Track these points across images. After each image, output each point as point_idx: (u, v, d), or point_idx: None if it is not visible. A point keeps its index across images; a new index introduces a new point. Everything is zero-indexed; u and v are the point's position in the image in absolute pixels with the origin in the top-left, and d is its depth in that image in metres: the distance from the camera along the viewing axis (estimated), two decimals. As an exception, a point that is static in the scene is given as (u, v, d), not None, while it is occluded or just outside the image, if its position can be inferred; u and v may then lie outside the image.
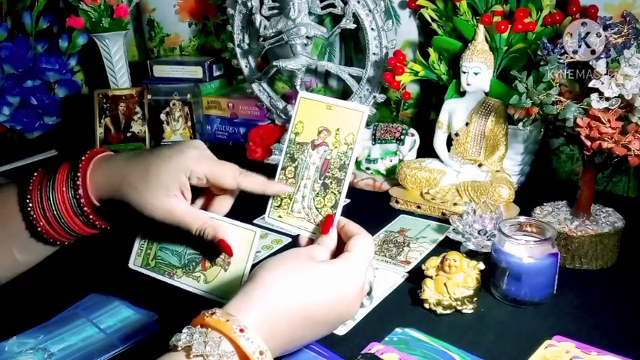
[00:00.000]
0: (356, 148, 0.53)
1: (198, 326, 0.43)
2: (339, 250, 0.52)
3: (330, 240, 0.53)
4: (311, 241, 0.54)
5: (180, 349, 0.42)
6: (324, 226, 0.53)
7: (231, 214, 0.71)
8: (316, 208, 0.54)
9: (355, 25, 0.99)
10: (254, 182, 0.55)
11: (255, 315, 0.44)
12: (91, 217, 0.56)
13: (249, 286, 0.46)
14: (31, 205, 0.55)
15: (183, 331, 0.43)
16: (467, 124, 0.85)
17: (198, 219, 0.54)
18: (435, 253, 0.71)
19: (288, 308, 0.46)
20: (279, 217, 0.56)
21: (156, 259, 0.58)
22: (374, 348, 0.53)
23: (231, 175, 0.54)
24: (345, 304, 0.49)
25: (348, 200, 0.90)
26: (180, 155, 0.54)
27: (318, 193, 0.54)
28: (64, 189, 0.55)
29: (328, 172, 0.54)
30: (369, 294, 0.52)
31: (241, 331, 0.42)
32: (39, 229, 0.55)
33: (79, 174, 0.55)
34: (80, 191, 0.54)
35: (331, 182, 0.54)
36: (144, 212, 0.53)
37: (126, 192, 0.53)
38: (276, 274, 0.47)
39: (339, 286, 0.48)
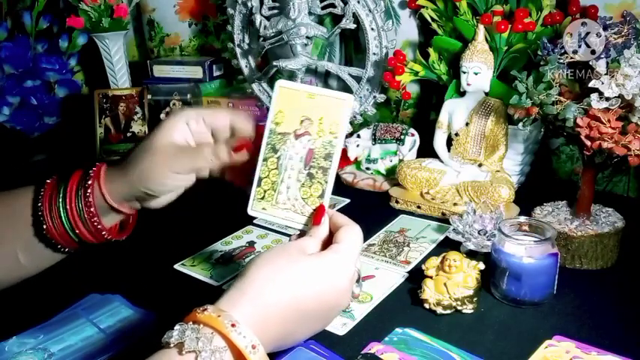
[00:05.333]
0: (341, 137, 0.52)
1: (190, 323, 0.43)
2: (327, 241, 0.52)
3: (322, 231, 0.53)
4: (303, 233, 0.54)
5: (172, 345, 0.42)
6: (315, 217, 0.52)
7: (221, 208, 0.71)
8: (303, 198, 0.53)
9: (355, 25, 0.99)
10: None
11: (246, 310, 0.44)
12: (99, 225, 0.58)
13: (241, 282, 0.46)
14: (42, 209, 0.57)
15: (175, 328, 0.43)
16: (467, 124, 0.85)
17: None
18: (435, 253, 0.71)
19: (279, 302, 0.46)
20: (263, 209, 0.54)
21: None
22: (374, 348, 0.53)
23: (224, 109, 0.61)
24: (336, 295, 0.49)
25: (348, 200, 0.91)
26: (171, 115, 0.58)
27: (303, 184, 0.53)
28: (74, 197, 0.57)
29: (313, 161, 0.53)
30: (357, 281, 0.52)
31: (233, 326, 0.42)
32: (45, 232, 0.57)
33: (89, 182, 0.57)
34: (90, 199, 0.56)
35: (317, 172, 0.53)
36: (163, 180, 0.56)
37: (140, 168, 0.56)
38: (267, 269, 0.47)
39: (330, 277, 0.48)
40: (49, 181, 0.58)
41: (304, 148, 0.53)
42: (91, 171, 0.58)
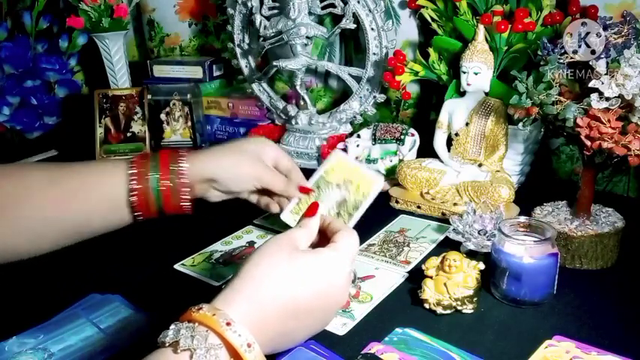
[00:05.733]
0: (368, 200, 0.71)
1: (186, 322, 0.43)
2: (320, 244, 0.53)
3: (313, 223, 0.54)
4: None
5: (167, 345, 0.42)
6: (308, 210, 0.55)
7: (221, 209, 0.72)
8: None
9: (355, 25, 0.99)
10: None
11: (242, 308, 0.44)
12: (184, 198, 0.65)
13: (236, 281, 0.47)
14: (133, 176, 0.63)
15: (171, 327, 0.43)
16: (467, 124, 0.85)
17: (280, 182, 0.71)
18: (435, 253, 0.71)
19: (275, 300, 0.46)
20: (294, 220, 0.70)
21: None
22: (374, 348, 0.53)
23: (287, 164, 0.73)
24: (333, 293, 0.49)
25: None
26: (261, 140, 0.75)
27: (330, 215, 0.70)
28: (168, 167, 0.64)
29: (343, 207, 0.72)
30: (353, 281, 0.55)
31: (228, 324, 0.42)
32: (132, 198, 0.62)
33: (184, 158, 0.65)
34: (184, 171, 0.65)
35: (344, 214, 0.71)
36: (241, 182, 0.69)
37: (226, 169, 0.68)
38: (262, 267, 0.47)
39: (326, 274, 0.49)
40: (137, 157, 0.65)
41: (341, 196, 0.72)
42: (182, 155, 0.66)
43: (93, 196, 0.62)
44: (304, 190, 0.72)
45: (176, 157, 0.66)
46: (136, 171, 0.63)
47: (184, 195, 0.65)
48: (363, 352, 0.53)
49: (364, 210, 0.71)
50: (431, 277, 0.60)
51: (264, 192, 0.73)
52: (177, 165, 0.65)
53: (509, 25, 0.85)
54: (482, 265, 0.60)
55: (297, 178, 0.72)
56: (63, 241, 0.63)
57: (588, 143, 0.62)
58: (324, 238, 0.54)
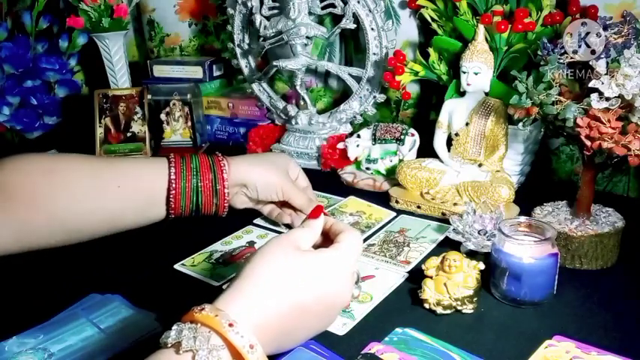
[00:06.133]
0: (376, 228, 0.80)
1: (188, 322, 0.43)
2: (324, 245, 0.53)
3: (316, 225, 0.54)
4: None
5: (170, 345, 0.42)
6: (312, 212, 0.55)
7: (229, 215, 0.72)
8: None
9: (355, 25, 0.99)
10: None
11: (244, 309, 0.44)
12: (225, 198, 0.72)
13: (238, 282, 0.46)
14: (174, 175, 0.68)
15: (173, 328, 0.43)
16: (467, 124, 0.85)
17: (302, 196, 0.76)
18: (435, 253, 0.71)
19: (277, 300, 0.46)
20: None
21: None
22: (374, 348, 0.53)
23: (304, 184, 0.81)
24: (335, 293, 0.49)
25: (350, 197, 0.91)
26: (288, 157, 0.83)
27: None
28: (208, 170, 0.70)
29: (355, 226, 0.78)
30: (356, 283, 0.55)
31: (230, 325, 0.42)
32: (170, 196, 0.68)
33: (224, 162, 0.72)
34: (224, 174, 0.71)
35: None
36: (269, 189, 0.74)
37: (258, 176, 0.73)
38: (264, 267, 0.47)
39: (329, 274, 0.49)
40: (175, 156, 0.70)
41: (354, 219, 0.82)
42: (221, 158, 0.73)
43: (131, 190, 0.65)
44: (319, 212, 0.63)
45: (215, 159, 0.71)
46: (176, 170, 0.68)
47: (224, 196, 0.71)
48: (363, 352, 0.53)
49: (371, 232, 0.78)
50: (431, 277, 0.60)
51: (279, 204, 0.79)
52: (218, 167, 0.70)
53: (509, 25, 0.85)
54: (482, 265, 0.60)
55: (312, 197, 0.78)
56: (97, 232, 0.66)
57: (588, 143, 0.62)
58: (327, 240, 0.54)
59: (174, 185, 0.68)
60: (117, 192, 0.65)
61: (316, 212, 0.55)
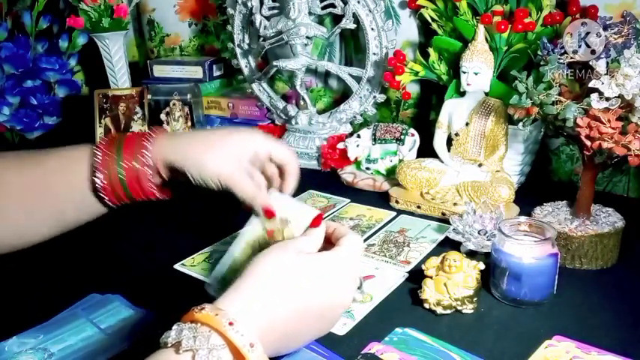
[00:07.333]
0: (376, 228, 0.78)
1: (188, 322, 0.43)
2: (326, 249, 0.53)
3: (318, 233, 0.54)
4: None
5: (170, 345, 0.42)
6: (314, 222, 0.54)
7: (221, 209, 0.71)
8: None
9: (355, 25, 0.99)
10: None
11: (245, 308, 0.44)
12: (151, 183, 0.60)
13: (240, 282, 0.46)
14: (97, 165, 0.58)
15: (173, 328, 0.43)
16: (467, 124, 0.85)
17: (251, 189, 0.60)
18: (435, 253, 0.71)
19: (279, 301, 0.46)
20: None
21: None
22: (374, 348, 0.53)
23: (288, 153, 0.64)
24: (337, 293, 0.49)
25: (348, 200, 0.91)
26: (250, 132, 0.64)
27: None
28: (132, 153, 0.59)
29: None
30: (359, 287, 0.55)
31: (230, 324, 0.42)
32: (99, 187, 0.58)
33: (149, 143, 0.60)
34: (148, 159, 0.59)
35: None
36: (203, 175, 0.59)
37: (190, 156, 0.59)
38: (266, 268, 0.47)
39: (331, 276, 0.49)
40: (102, 141, 0.61)
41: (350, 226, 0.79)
42: (149, 136, 0.61)
43: (59, 186, 0.59)
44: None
45: (141, 140, 0.60)
46: (100, 156, 0.59)
47: (149, 179, 0.59)
48: (363, 352, 0.53)
49: (375, 230, 0.77)
50: (431, 277, 0.60)
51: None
52: (139, 148, 0.59)
53: (509, 25, 0.85)
54: (482, 265, 0.60)
55: (292, 173, 0.64)
56: (47, 231, 0.61)
57: (588, 143, 0.62)
58: (329, 245, 0.54)
59: (97, 173, 0.58)
60: (46, 191, 0.59)
61: (317, 221, 0.54)
